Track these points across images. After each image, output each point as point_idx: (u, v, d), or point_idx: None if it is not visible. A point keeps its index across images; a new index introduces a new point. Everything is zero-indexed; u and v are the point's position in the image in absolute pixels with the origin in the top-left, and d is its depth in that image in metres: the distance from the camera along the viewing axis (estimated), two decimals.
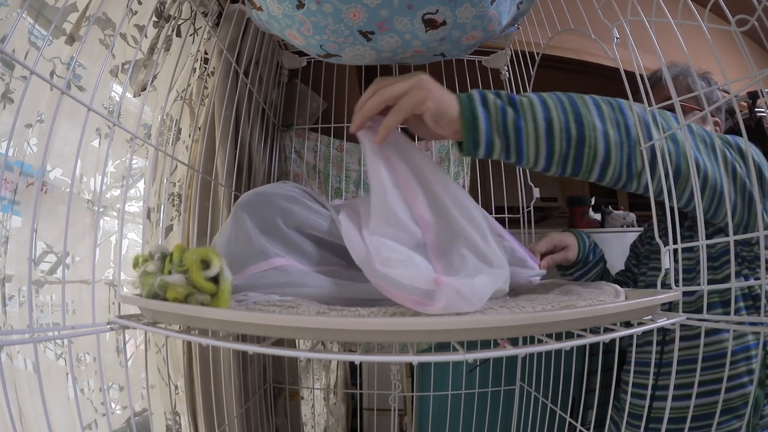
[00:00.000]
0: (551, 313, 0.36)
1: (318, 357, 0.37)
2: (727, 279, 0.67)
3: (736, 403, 0.65)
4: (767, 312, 0.48)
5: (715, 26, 0.41)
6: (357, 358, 0.35)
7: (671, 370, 0.46)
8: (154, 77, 0.76)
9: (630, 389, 0.72)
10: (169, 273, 0.37)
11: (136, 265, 0.39)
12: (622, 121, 0.51)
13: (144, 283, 0.38)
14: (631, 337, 0.45)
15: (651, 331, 0.45)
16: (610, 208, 1.62)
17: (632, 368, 0.67)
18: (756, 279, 0.65)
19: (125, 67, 0.73)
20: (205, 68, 0.86)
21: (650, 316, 0.43)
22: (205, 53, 0.85)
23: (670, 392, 0.48)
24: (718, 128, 0.84)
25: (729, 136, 0.60)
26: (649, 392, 0.58)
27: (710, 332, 0.67)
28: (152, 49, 0.74)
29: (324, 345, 1.13)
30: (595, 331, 0.46)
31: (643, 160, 0.50)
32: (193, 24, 0.82)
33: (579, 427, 0.80)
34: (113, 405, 0.72)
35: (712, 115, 0.82)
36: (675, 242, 0.47)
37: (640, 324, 0.42)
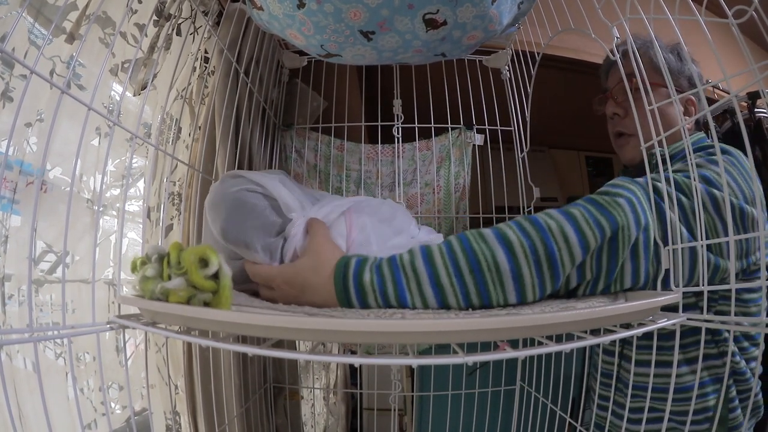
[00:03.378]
0: (551, 315, 0.36)
1: (318, 359, 0.36)
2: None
3: None
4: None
5: (712, 19, 0.42)
6: (357, 360, 0.35)
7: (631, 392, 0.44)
8: (154, 76, 0.76)
9: (599, 399, 0.72)
10: (169, 277, 0.36)
11: (134, 269, 0.39)
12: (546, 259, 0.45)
13: (144, 289, 0.37)
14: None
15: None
16: None
17: (611, 379, 0.67)
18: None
19: (125, 66, 0.73)
20: (206, 67, 0.85)
21: (650, 317, 0.43)
22: (206, 52, 0.85)
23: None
24: (692, 108, 0.74)
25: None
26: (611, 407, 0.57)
27: (663, 363, 0.60)
28: (152, 48, 0.74)
29: (324, 346, 1.13)
30: (595, 332, 0.45)
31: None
32: (194, 23, 0.82)
33: (579, 427, 0.80)
34: (113, 405, 0.72)
35: (680, 91, 0.68)
36: (675, 242, 0.47)
37: (640, 325, 0.41)
